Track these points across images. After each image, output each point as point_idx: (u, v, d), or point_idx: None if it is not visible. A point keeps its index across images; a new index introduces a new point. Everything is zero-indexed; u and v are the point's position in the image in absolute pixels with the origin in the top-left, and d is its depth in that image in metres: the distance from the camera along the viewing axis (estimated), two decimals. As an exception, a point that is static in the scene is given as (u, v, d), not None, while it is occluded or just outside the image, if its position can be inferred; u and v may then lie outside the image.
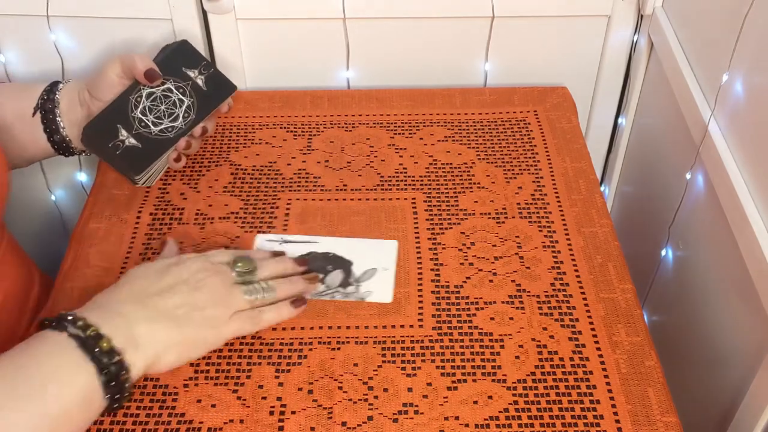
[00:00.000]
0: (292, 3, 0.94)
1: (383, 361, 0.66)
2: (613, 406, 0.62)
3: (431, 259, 0.74)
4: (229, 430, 0.61)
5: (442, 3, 0.94)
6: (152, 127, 0.80)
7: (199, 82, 0.83)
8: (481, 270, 0.73)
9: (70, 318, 0.57)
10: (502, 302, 0.70)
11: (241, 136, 0.89)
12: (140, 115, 0.79)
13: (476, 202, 0.80)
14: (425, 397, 0.63)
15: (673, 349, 0.88)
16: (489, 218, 0.78)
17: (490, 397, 0.63)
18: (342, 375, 0.65)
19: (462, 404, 0.62)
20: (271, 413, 0.62)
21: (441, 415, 0.61)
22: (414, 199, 0.81)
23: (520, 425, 0.61)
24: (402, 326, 0.68)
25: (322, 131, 0.90)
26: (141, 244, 0.76)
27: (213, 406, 0.62)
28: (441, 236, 0.76)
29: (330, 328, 0.68)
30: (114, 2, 0.93)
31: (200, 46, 0.95)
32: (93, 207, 0.81)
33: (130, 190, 0.82)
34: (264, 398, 0.63)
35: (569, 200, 0.80)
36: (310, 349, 0.67)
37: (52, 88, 0.79)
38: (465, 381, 0.64)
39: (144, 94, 0.80)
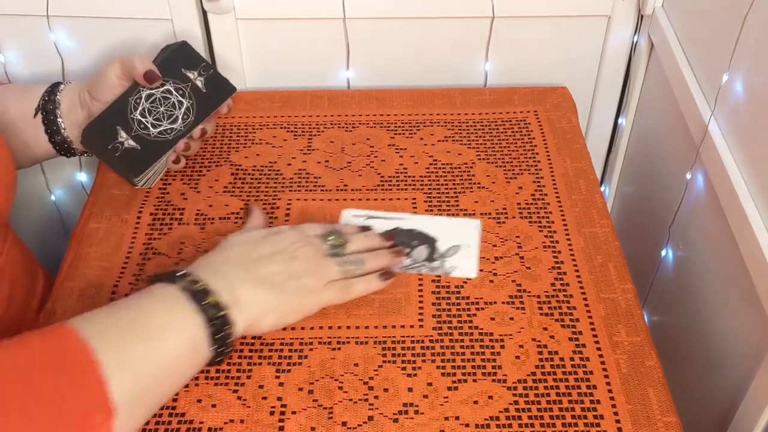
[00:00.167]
0: (292, 3, 0.94)
1: (384, 361, 0.66)
2: (614, 406, 0.62)
3: (431, 259, 0.74)
4: (229, 430, 0.61)
5: (442, 3, 0.94)
6: (151, 128, 0.80)
7: (199, 83, 0.83)
8: (481, 270, 0.73)
9: (180, 274, 0.61)
10: (503, 302, 0.70)
11: (242, 136, 0.89)
12: (139, 117, 0.79)
13: (476, 202, 0.80)
14: (425, 397, 0.63)
15: (673, 349, 0.88)
16: (489, 218, 0.78)
17: (490, 397, 0.63)
18: (342, 375, 0.65)
19: (462, 404, 0.62)
20: (272, 413, 0.62)
21: (441, 415, 0.61)
22: (414, 199, 0.81)
23: (520, 425, 0.61)
24: (402, 326, 0.68)
25: (323, 131, 0.90)
26: (141, 244, 0.76)
27: (213, 406, 0.62)
28: (441, 236, 0.77)
29: (330, 328, 0.68)
30: (114, 2, 0.93)
31: (200, 47, 0.95)
32: (93, 207, 0.81)
33: (130, 190, 0.82)
34: (264, 398, 0.63)
35: (569, 200, 0.80)
36: (311, 349, 0.67)
37: (53, 89, 0.79)
38: (465, 381, 0.64)
39: (143, 96, 0.80)
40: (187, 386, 0.63)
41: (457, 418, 0.61)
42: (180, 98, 0.81)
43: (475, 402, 0.62)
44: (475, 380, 0.64)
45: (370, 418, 0.61)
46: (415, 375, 0.64)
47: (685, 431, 0.61)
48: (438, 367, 0.65)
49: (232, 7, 0.93)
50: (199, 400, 0.63)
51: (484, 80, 1.02)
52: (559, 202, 0.80)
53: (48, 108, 0.78)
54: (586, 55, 1.00)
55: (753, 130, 0.70)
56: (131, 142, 0.79)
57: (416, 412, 0.62)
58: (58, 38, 0.97)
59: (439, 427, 0.61)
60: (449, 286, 0.72)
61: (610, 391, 0.63)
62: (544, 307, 0.70)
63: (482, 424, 0.61)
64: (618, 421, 0.61)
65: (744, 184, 0.70)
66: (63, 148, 0.80)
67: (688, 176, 0.82)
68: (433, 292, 0.71)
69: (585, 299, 0.70)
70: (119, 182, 0.83)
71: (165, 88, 0.81)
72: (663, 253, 0.90)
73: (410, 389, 0.63)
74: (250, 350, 0.67)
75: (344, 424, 0.61)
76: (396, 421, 0.61)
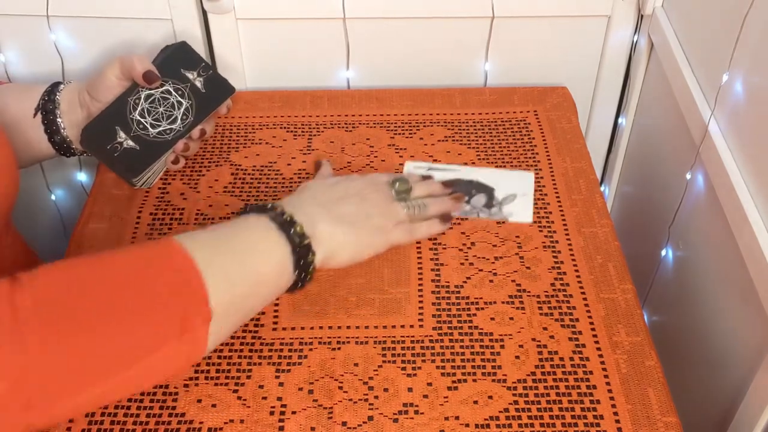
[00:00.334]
0: (292, 3, 0.94)
1: (383, 361, 0.66)
2: (613, 406, 0.62)
3: (431, 259, 0.74)
4: (229, 430, 0.61)
5: (442, 3, 0.94)
6: (150, 129, 0.80)
7: (198, 84, 0.83)
8: (481, 270, 0.73)
9: (269, 206, 0.67)
10: (503, 302, 0.70)
11: (241, 136, 0.89)
12: (139, 117, 0.79)
13: (476, 202, 0.80)
14: (425, 397, 0.63)
15: (673, 349, 0.88)
16: (489, 218, 0.78)
17: (490, 397, 0.63)
18: (342, 375, 0.65)
19: (462, 404, 0.62)
20: (272, 413, 0.62)
21: (441, 415, 0.61)
22: (414, 199, 0.81)
23: (520, 425, 0.61)
24: (402, 326, 0.68)
25: (322, 131, 0.90)
26: (141, 244, 0.76)
27: (213, 406, 0.62)
28: (441, 236, 0.76)
29: (330, 328, 0.68)
30: (114, 2, 0.93)
31: (200, 47, 0.95)
32: (93, 207, 0.81)
33: (130, 190, 0.82)
34: (264, 398, 0.63)
35: (569, 200, 0.80)
36: (311, 349, 0.67)
37: (53, 89, 0.79)
38: (465, 381, 0.64)
39: (142, 96, 0.80)
40: (187, 386, 0.64)
41: (457, 418, 0.61)
42: (179, 99, 0.81)
43: (475, 402, 0.62)
44: (475, 380, 0.64)
45: (370, 418, 0.61)
46: (415, 375, 0.64)
47: (685, 431, 0.61)
48: (438, 367, 0.65)
49: (232, 7, 0.93)
50: (199, 400, 0.63)
51: (484, 80, 1.02)
52: (559, 202, 0.80)
53: (47, 108, 0.78)
54: (586, 55, 1.00)
55: (753, 130, 0.70)
56: (130, 143, 0.79)
57: (416, 412, 0.62)
58: (58, 38, 0.97)
59: (439, 427, 0.61)
60: (449, 286, 0.72)
61: (609, 391, 0.63)
62: (544, 307, 0.70)
63: (482, 424, 0.61)
64: (618, 421, 0.61)
65: (744, 184, 0.70)
66: (62, 148, 0.80)
67: (688, 176, 0.82)
68: (433, 292, 0.71)
69: (585, 299, 0.70)
70: (119, 182, 0.83)
71: (164, 88, 0.81)
72: (663, 253, 0.90)
73: (410, 389, 0.63)
74: (250, 350, 0.67)
75: (344, 424, 0.61)
76: (396, 421, 0.61)
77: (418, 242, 0.76)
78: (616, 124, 1.07)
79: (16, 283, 0.52)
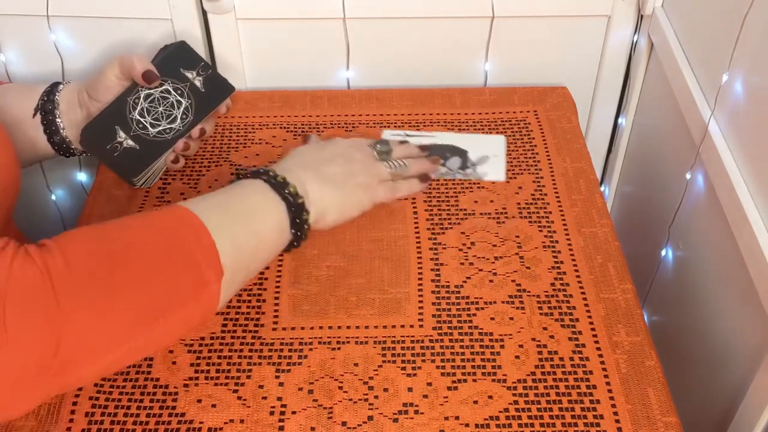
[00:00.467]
0: (292, 3, 0.94)
1: (383, 361, 0.66)
2: (613, 406, 0.62)
3: (431, 259, 0.74)
4: (229, 430, 0.61)
5: (442, 3, 0.94)
6: (150, 128, 0.80)
7: (197, 83, 0.83)
8: (481, 270, 0.73)
9: (261, 170, 0.70)
10: (502, 302, 0.70)
11: (241, 136, 0.89)
12: (138, 117, 0.79)
13: (476, 202, 0.80)
14: (425, 397, 0.63)
15: (673, 349, 0.88)
16: (489, 218, 0.78)
17: (490, 397, 0.63)
18: (342, 375, 0.65)
19: (462, 404, 0.62)
20: (272, 413, 0.62)
21: (441, 415, 0.61)
22: (414, 199, 0.81)
23: (520, 425, 0.61)
24: (402, 326, 0.68)
25: (322, 131, 0.90)
26: (141, 244, 0.76)
27: (213, 406, 0.62)
28: (441, 236, 0.77)
29: (330, 328, 0.68)
30: (114, 2, 0.93)
31: (200, 47, 0.95)
32: (93, 207, 0.81)
33: (131, 190, 0.82)
34: (264, 398, 0.63)
35: (569, 200, 0.80)
36: (311, 349, 0.67)
37: (52, 89, 0.79)
38: (465, 381, 0.64)
39: (142, 96, 0.80)
40: (187, 386, 0.64)
41: (457, 417, 0.61)
42: (178, 98, 0.81)
43: (475, 402, 0.62)
44: (474, 380, 0.64)
45: (370, 418, 0.61)
46: (415, 375, 0.64)
47: (685, 431, 0.61)
48: (438, 367, 0.65)
49: (232, 7, 0.93)
50: (199, 400, 0.63)
51: (484, 80, 1.02)
52: (558, 202, 0.80)
53: (47, 108, 0.78)
54: (586, 55, 1.00)
55: (753, 130, 0.70)
56: (130, 142, 0.79)
57: (416, 412, 0.62)
58: (58, 38, 0.97)
59: (438, 427, 0.61)
60: (449, 285, 0.72)
61: (609, 391, 0.63)
62: (544, 306, 0.70)
63: (482, 424, 0.61)
64: (618, 421, 0.61)
65: (744, 184, 0.70)
66: (62, 148, 0.80)
67: (688, 176, 0.82)
68: (432, 292, 0.71)
69: (585, 299, 0.70)
70: (119, 182, 0.83)
71: (164, 87, 0.81)
72: (663, 253, 0.90)
73: (410, 389, 0.63)
74: (250, 350, 0.67)
75: (344, 424, 0.61)
76: (396, 421, 0.61)
77: (417, 242, 0.76)
78: (616, 124, 1.07)
79: (44, 247, 0.54)
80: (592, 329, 0.68)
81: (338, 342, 0.67)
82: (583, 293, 0.71)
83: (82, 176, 1.09)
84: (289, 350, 0.67)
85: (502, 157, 0.85)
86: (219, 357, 0.66)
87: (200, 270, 0.59)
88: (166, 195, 0.82)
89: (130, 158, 0.79)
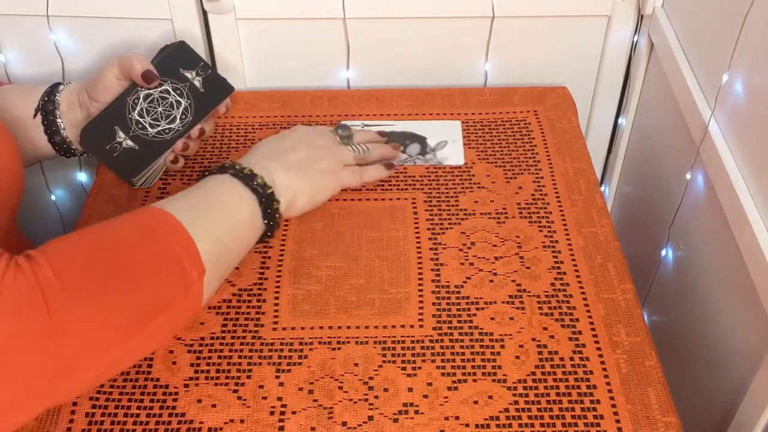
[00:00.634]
0: (292, 3, 0.94)
1: (383, 361, 0.66)
2: (613, 406, 0.62)
3: (431, 259, 0.74)
4: (229, 430, 0.61)
5: (442, 3, 0.94)
6: (149, 129, 0.80)
7: (197, 83, 0.83)
8: (481, 270, 0.73)
9: (228, 165, 0.71)
10: (503, 302, 0.70)
11: (241, 136, 0.89)
12: (137, 117, 0.79)
13: (476, 202, 0.80)
14: (425, 397, 0.63)
15: (673, 349, 0.88)
16: (489, 218, 0.78)
17: (490, 397, 0.63)
18: (342, 375, 0.65)
19: (462, 404, 0.62)
20: (272, 413, 0.62)
21: (441, 415, 0.61)
22: (414, 199, 0.81)
23: (520, 425, 0.61)
24: (402, 326, 0.68)
25: (322, 131, 0.90)
26: (141, 244, 0.76)
27: (213, 406, 0.62)
28: (441, 236, 0.77)
29: (330, 328, 0.68)
30: (114, 2, 0.93)
31: (200, 47, 0.95)
32: (93, 207, 0.81)
33: (130, 190, 0.82)
34: (264, 398, 0.63)
35: (569, 200, 0.80)
36: (311, 349, 0.67)
37: (53, 89, 0.79)
38: (465, 381, 0.64)
39: (141, 96, 0.80)
40: (187, 386, 0.64)
41: (457, 418, 0.61)
42: (178, 98, 0.81)
43: (475, 402, 0.62)
44: (475, 380, 0.64)
45: (370, 418, 0.61)
46: (415, 375, 0.64)
47: (685, 431, 0.61)
48: (438, 367, 0.65)
49: (232, 7, 0.93)
50: (199, 400, 0.63)
51: (484, 80, 1.02)
52: (558, 202, 0.80)
53: (47, 108, 0.78)
54: (586, 55, 1.00)
55: (753, 130, 0.70)
56: (129, 143, 0.79)
57: (416, 412, 0.62)
58: (58, 38, 0.97)
59: (439, 427, 0.61)
60: (449, 286, 0.72)
61: (610, 391, 0.63)
62: (544, 306, 0.70)
63: (482, 424, 0.61)
64: (618, 421, 0.61)
65: (744, 184, 0.70)
66: (62, 148, 0.80)
67: (688, 176, 0.82)
68: (433, 292, 0.71)
69: (585, 299, 0.70)
70: (119, 182, 0.83)
71: (163, 88, 0.81)
72: (663, 253, 0.90)
73: (410, 389, 0.63)
74: (250, 350, 0.67)
75: (344, 424, 0.61)
76: (396, 421, 0.61)
77: (417, 242, 0.76)
78: (616, 124, 1.07)
79: (31, 259, 0.54)
80: (592, 329, 0.68)
81: (338, 342, 0.67)
82: (583, 293, 0.71)
83: (82, 176, 1.09)
84: (289, 350, 0.67)
85: (460, 142, 0.87)
86: (219, 357, 0.66)
87: (185, 269, 0.60)
88: (166, 195, 0.82)
89: (130, 158, 0.79)
